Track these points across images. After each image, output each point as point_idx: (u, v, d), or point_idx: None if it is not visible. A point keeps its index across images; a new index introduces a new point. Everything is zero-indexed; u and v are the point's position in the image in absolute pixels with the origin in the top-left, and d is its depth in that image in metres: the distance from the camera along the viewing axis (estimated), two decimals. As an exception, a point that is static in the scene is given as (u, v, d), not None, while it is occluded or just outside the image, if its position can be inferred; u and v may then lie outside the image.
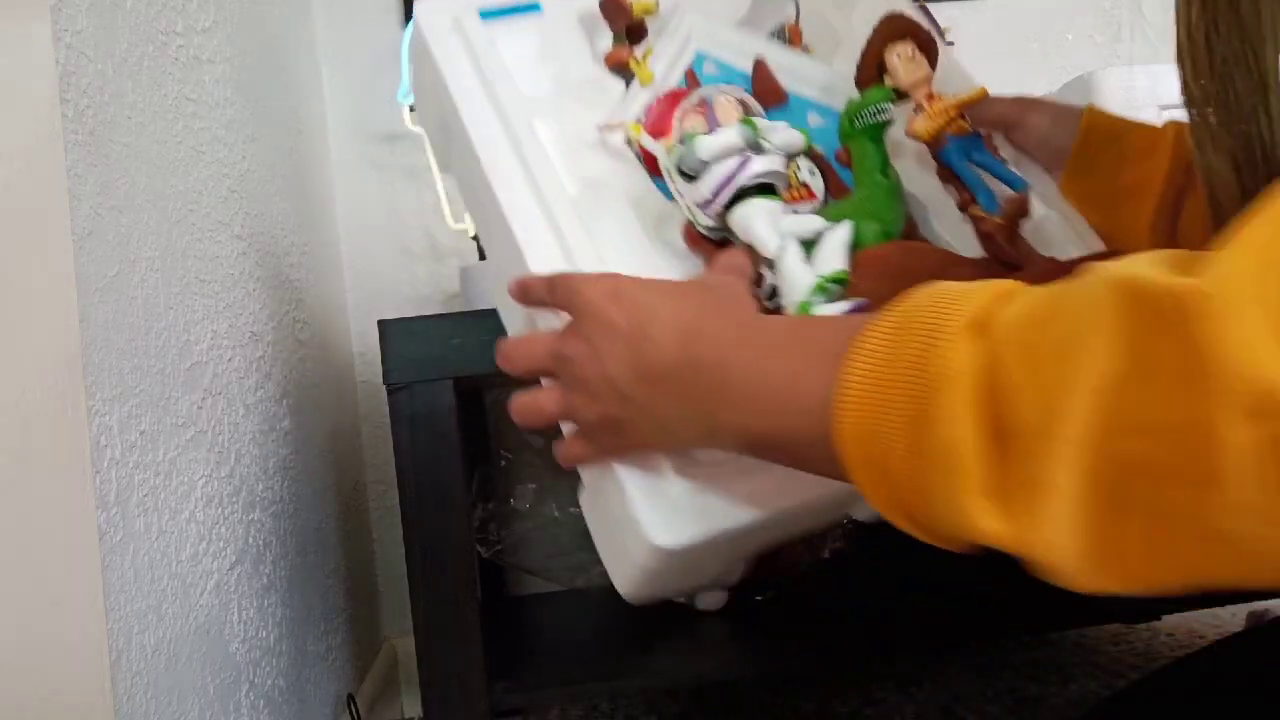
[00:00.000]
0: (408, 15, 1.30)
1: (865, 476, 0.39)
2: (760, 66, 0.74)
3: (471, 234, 1.27)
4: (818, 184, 0.70)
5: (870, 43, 0.69)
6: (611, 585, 0.68)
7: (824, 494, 0.53)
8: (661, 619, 1.01)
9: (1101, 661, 1.11)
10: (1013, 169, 0.71)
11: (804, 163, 0.71)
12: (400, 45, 1.29)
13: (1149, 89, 1.01)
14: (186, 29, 0.77)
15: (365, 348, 1.33)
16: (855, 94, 0.71)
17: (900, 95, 0.70)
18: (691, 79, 0.72)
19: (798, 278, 0.56)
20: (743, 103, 0.62)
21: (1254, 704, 0.47)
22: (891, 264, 0.60)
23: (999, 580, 0.97)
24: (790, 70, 0.75)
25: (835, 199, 0.69)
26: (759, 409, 0.44)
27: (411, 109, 1.27)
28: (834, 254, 0.58)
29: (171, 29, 0.73)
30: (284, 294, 0.98)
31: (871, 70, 0.70)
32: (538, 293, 0.57)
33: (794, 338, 0.45)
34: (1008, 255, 0.67)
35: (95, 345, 0.54)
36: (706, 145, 0.58)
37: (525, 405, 0.54)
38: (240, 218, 0.86)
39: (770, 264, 0.59)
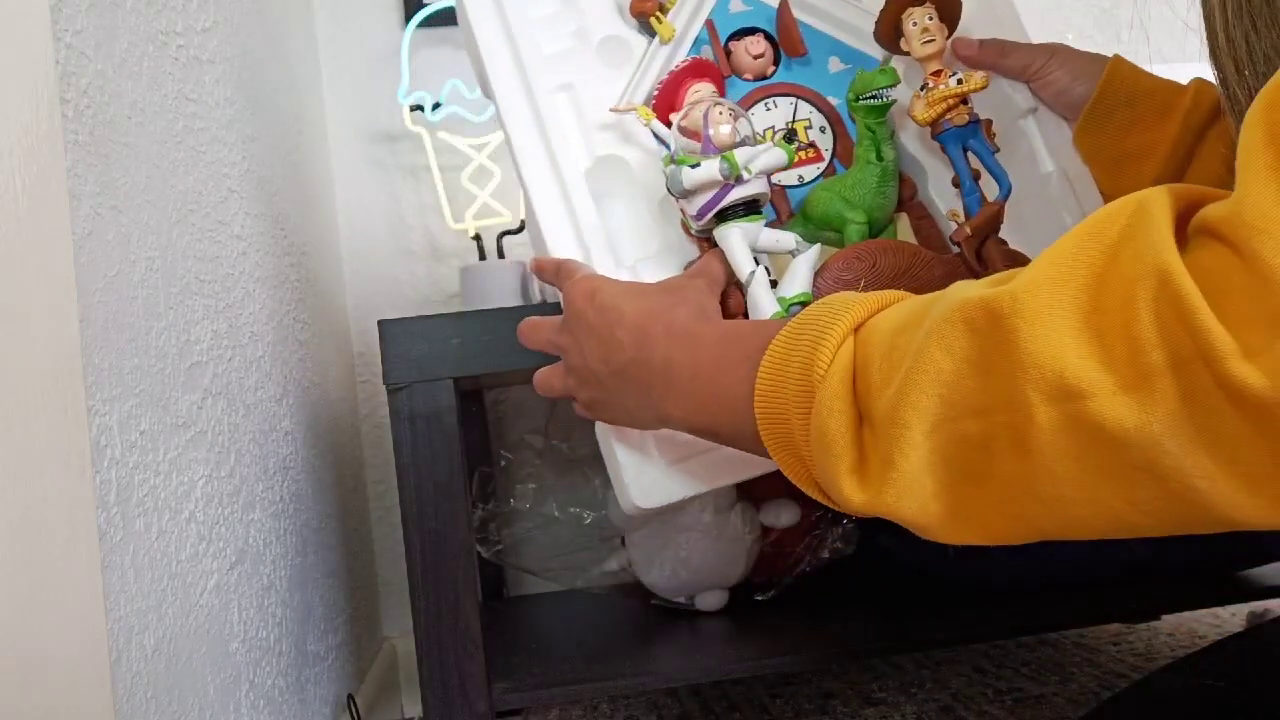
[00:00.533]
0: (408, 15, 1.30)
1: (781, 457, 0.47)
2: (784, 12, 0.75)
3: (472, 234, 1.27)
4: (826, 142, 0.75)
5: (889, 2, 0.69)
6: (611, 586, 0.84)
7: (766, 469, 0.62)
8: (661, 619, 1.01)
9: (1101, 661, 1.11)
10: (1002, 162, 0.70)
11: (816, 118, 0.75)
12: (400, 45, 1.29)
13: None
14: (186, 29, 0.77)
15: (365, 348, 1.33)
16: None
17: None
18: (711, 31, 0.74)
19: (763, 306, 0.63)
20: (734, 114, 0.64)
21: (1253, 704, 0.48)
22: (863, 263, 0.66)
23: (1000, 580, 0.97)
24: (817, 9, 0.75)
25: (841, 159, 0.74)
26: (697, 403, 0.52)
27: (412, 109, 1.27)
28: (800, 277, 0.64)
29: (171, 29, 0.73)
30: (284, 294, 0.98)
31: (889, 30, 0.70)
32: (548, 275, 0.67)
33: (723, 342, 0.52)
34: (971, 267, 0.68)
35: (95, 345, 0.54)
36: (690, 177, 0.63)
37: (541, 380, 0.65)
38: (240, 218, 0.86)
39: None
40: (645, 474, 0.65)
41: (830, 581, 1.05)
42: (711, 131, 0.63)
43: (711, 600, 1.02)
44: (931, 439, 0.39)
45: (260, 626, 0.77)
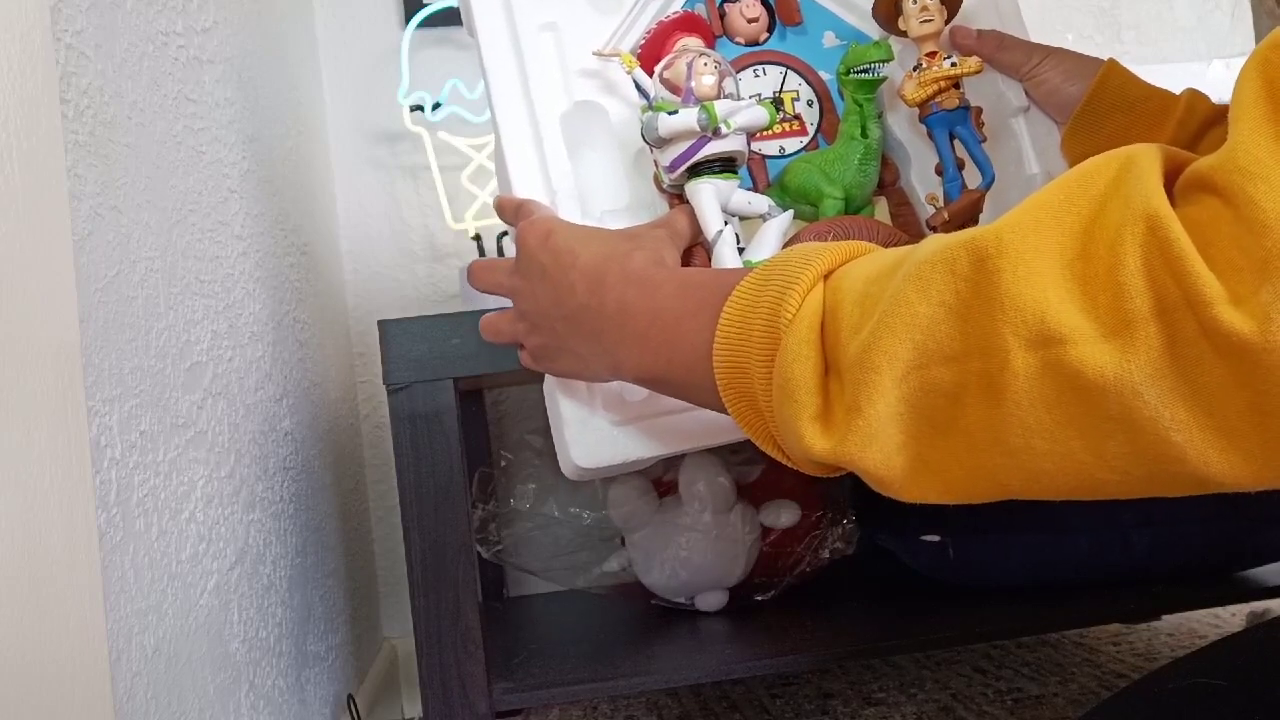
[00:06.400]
0: (408, 15, 1.30)
1: (737, 409, 0.46)
2: None
3: (471, 234, 1.27)
4: (812, 116, 0.73)
5: None
6: (612, 586, 0.82)
7: (718, 439, 0.63)
8: (661, 619, 1.01)
9: (1101, 661, 1.11)
10: (987, 151, 0.70)
11: (804, 91, 0.73)
12: (400, 45, 1.29)
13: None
14: (186, 29, 0.77)
15: (365, 348, 1.33)
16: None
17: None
18: None
19: (728, 266, 0.61)
20: (720, 68, 0.62)
21: (1253, 703, 0.47)
22: (834, 236, 0.65)
23: (1000, 581, 0.97)
24: None
25: (825, 135, 0.72)
26: (652, 350, 0.51)
27: (412, 109, 1.27)
28: (769, 242, 0.62)
29: (171, 29, 0.73)
30: (284, 294, 0.98)
31: (888, 8, 0.69)
32: (508, 214, 0.65)
33: (682, 289, 0.51)
34: None
35: (95, 345, 0.54)
36: (666, 124, 0.61)
37: (488, 325, 0.64)
38: (240, 218, 0.86)
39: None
40: (589, 432, 0.63)
41: (830, 581, 1.05)
42: (694, 82, 0.61)
43: (711, 600, 1.02)
44: (901, 386, 0.38)
45: (260, 626, 0.77)
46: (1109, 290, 0.33)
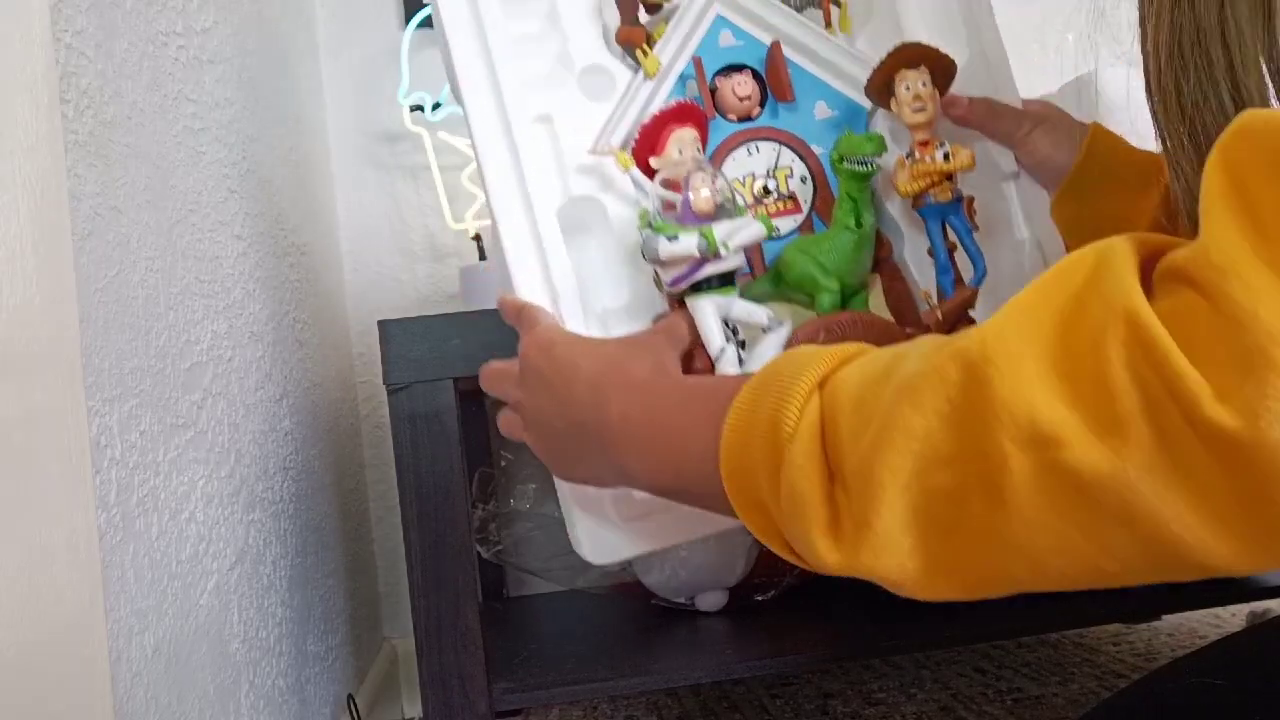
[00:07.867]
0: (408, 15, 1.30)
1: (749, 517, 0.46)
2: (774, 54, 0.72)
3: (472, 234, 1.27)
4: (806, 193, 0.72)
5: (883, 63, 0.68)
6: (612, 586, 0.83)
7: (729, 527, 0.61)
8: (661, 619, 1.01)
9: (1101, 661, 1.11)
10: (979, 241, 0.69)
11: (798, 167, 0.72)
12: (400, 45, 1.29)
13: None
14: (186, 29, 0.77)
15: (365, 348, 1.33)
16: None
17: None
18: (698, 68, 0.72)
19: None
20: (714, 180, 0.62)
21: (1253, 703, 0.48)
22: (831, 336, 0.65)
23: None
24: (809, 51, 0.73)
25: (820, 213, 0.72)
26: (660, 461, 0.51)
27: (412, 109, 1.27)
28: (769, 354, 0.62)
29: (171, 29, 0.73)
30: (284, 294, 0.98)
31: (881, 88, 0.69)
32: (510, 317, 0.65)
33: (684, 399, 0.51)
34: None
35: (95, 345, 0.54)
36: (666, 249, 0.61)
37: (505, 424, 0.64)
38: (240, 218, 0.86)
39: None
40: (600, 531, 0.64)
41: (830, 581, 1.05)
42: (691, 195, 0.61)
43: (711, 600, 1.02)
44: (905, 495, 0.39)
45: (260, 626, 0.77)
46: (1097, 390, 0.34)
